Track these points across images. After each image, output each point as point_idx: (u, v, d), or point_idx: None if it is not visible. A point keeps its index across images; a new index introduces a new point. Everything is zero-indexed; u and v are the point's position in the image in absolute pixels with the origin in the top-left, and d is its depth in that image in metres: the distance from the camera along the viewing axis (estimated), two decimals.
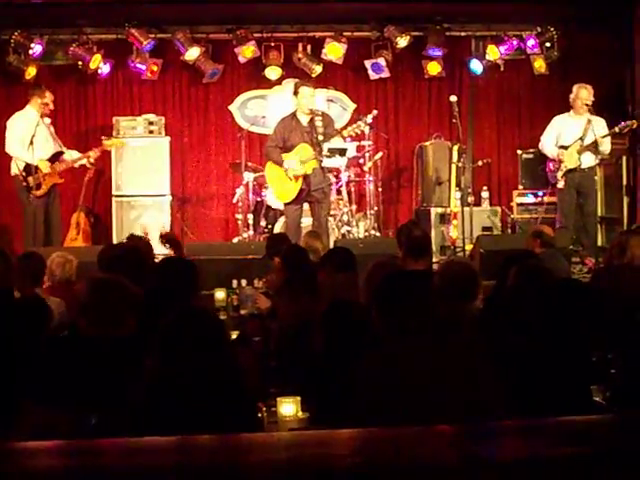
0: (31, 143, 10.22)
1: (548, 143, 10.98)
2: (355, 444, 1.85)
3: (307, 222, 10.64)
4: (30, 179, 10.38)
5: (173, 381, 3.67)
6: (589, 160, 10.73)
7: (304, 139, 10.17)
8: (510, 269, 5.36)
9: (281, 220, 11.22)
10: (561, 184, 10.74)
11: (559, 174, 10.72)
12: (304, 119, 10.25)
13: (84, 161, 10.88)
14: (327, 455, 1.76)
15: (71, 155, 10.86)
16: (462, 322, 4.89)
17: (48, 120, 10.83)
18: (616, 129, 10.66)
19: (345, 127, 10.94)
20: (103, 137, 11.52)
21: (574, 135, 10.72)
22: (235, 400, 3.71)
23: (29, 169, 10.38)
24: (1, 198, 12.37)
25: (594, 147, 10.55)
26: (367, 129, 11.23)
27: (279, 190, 10.41)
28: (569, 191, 10.78)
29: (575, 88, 10.89)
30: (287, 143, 10.19)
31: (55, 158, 10.66)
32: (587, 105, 10.66)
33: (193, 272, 5.81)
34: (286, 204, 10.42)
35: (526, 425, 2.06)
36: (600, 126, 10.71)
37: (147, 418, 3.59)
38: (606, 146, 10.72)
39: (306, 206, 10.53)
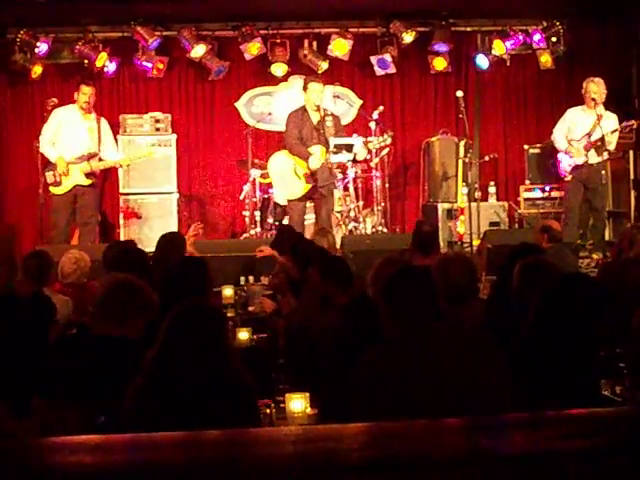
0: (62, 139, 10.20)
1: (559, 136, 11.01)
2: (363, 438, 1.84)
3: (310, 219, 10.64)
4: (48, 175, 10.35)
5: (171, 376, 3.69)
6: (597, 156, 10.71)
7: (313, 136, 10.17)
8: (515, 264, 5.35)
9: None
10: (568, 177, 10.79)
11: (567, 168, 10.76)
12: (314, 117, 10.26)
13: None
14: (335, 449, 1.76)
15: (109, 157, 10.73)
16: (465, 320, 4.88)
17: (92, 116, 10.71)
18: (618, 128, 10.69)
19: (355, 129, 10.96)
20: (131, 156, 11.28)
21: (583, 130, 10.75)
22: (234, 395, 3.71)
23: (52, 165, 10.36)
24: (16, 195, 12.37)
25: (601, 144, 10.55)
26: (390, 140, 11.13)
27: (282, 186, 10.39)
28: (576, 186, 10.79)
29: (585, 82, 10.88)
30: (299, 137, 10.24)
31: (85, 159, 10.50)
32: (595, 99, 10.63)
33: (205, 270, 5.83)
34: (290, 201, 10.41)
35: (534, 418, 2.05)
36: (610, 122, 10.71)
37: (143, 413, 3.61)
38: (613, 145, 10.74)
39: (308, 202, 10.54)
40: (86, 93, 10.58)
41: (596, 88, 10.69)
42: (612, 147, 10.79)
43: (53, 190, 10.36)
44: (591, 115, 10.71)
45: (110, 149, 10.85)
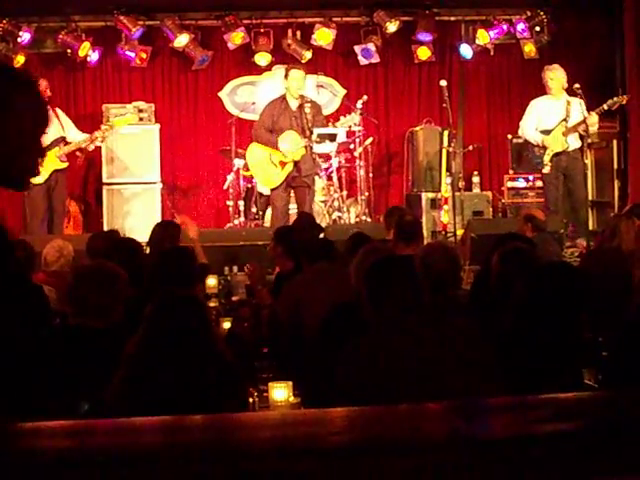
0: None
1: (529, 128, 10.75)
2: (343, 422, 1.84)
3: (294, 208, 10.65)
4: None
5: (154, 366, 3.69)
6: (575, 142, 10.61)
7: (292, 124, 10.15)
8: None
9: None
10: (547, 169, 10.53)
11: (546, 159, 10.49)
12: (294, 103, 10.24)
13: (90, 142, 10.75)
14: (315, 433, 1.76)
15: (75, 138, 10.73)
16: (449, 308, 4.88)
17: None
18: (604, 106, 10.41)
19: (338, 118, 11.00)
20: (115, 119, 11.38)
21: (556, 118, 10.55)
22: (219, 384, 3.71)
23: None
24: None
25: (583, 128, 10.39)
26: (358, 119, 11.23)
27: (262, 176, 10.43)
28: (556, 175, 10.59)
29: (549, 71, 10.74)
30: (275, 126, 10.18)
31: (57, 143, 10.55)
32: (564, 86, 10.55)
33: (191, 261, 5.83)
34: (272, 190, 10.41)
35: (514, 402, 2.06)
36: (579, 106, 10.49)
37: (128, 403, 3.61)
38: (595, 126, 10.56)
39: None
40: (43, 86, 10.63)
41: (563, 75, 10.58)
42: (595, 129, 10.66)
43: (33, 181, 10.29)
44: (558, 102, 10.56)
45: (75, 131, 10.87)
